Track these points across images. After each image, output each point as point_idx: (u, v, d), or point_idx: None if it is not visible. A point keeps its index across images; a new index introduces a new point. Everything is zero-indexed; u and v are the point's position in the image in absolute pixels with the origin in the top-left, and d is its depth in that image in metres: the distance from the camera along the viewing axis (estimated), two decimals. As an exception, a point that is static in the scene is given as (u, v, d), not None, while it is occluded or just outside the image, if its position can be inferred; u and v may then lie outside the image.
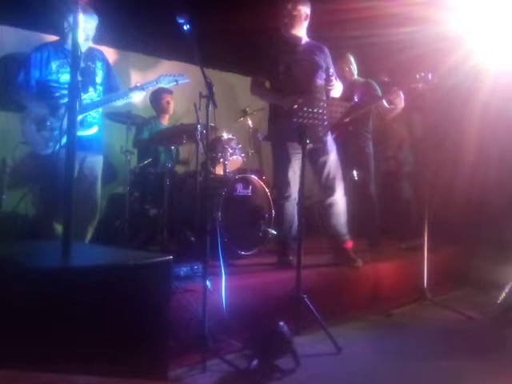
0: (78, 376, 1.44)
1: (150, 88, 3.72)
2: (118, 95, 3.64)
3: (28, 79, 3.54)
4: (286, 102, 3.90)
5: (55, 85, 3.53)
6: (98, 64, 3.74)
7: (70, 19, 2.28)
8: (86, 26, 3.54)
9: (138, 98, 3.66)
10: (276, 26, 4.15)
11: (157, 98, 5.43)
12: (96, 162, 3.71)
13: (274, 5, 4.23)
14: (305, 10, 4.09)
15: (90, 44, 3.68)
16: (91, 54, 3.73)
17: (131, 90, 3.62)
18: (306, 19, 4.12)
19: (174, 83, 3.66)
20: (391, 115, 5.12)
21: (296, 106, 3.77)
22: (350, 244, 4.26)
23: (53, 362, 1.71)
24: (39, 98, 3.51)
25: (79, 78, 3.52)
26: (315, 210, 4.89)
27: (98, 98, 3.67)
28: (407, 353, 3.20)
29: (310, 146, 3.95)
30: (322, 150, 4.14)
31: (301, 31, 4.14)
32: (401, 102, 4.92)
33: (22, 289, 1.89)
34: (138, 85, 3.63)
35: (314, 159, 4.12)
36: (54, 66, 3.54)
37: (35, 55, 3.55)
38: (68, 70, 3.30)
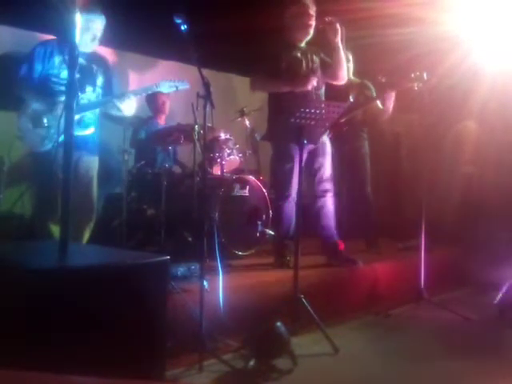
0: (74, 376, 1.44)
1: (149, 92, 3.74)
2: (108, 100, 3.65)
3: (31, 72, 3.53)
4: (301, 81, 3.92)
5: (55, 79, 3.52)
6: (102, 70, 3.75)
7: (68, 19, 2.28)
8: (92, 26, 3.54)
9: (128, 108, 3.65)
10: (289, 27, 4.17)
11: (152, 99, 5.42)
12: (91, 163, 3.70)
13: (273, 4, 4.25)
14: None
15: (96, 45, 3.67)
16: (96, 59, 3.74)
17: (123, 95, 3.61)
18: None
19: (174, 89, 3.66)
20: (383, 117, 5.11)
21: (315, 85, 3.87)
22: (342, 245, 4.27)
23: (50, 362, 1.70)
24: (39, 92, 3.50)
25: (77, 76, 3.53)
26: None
27: (96, 100, 3.67)
28: (404, 353, 3.20)
29: (309, 147, 3.98)
30: (319, 152, 4.16)
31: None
32: (391, 104, 4.93)
33: (19, 289, 1.88)
34: (131, 92, 3.64)
35: (311, 160, 4.13)
36: (57, 60, 3.53)
37: (39, 49, 3.55)
38: None
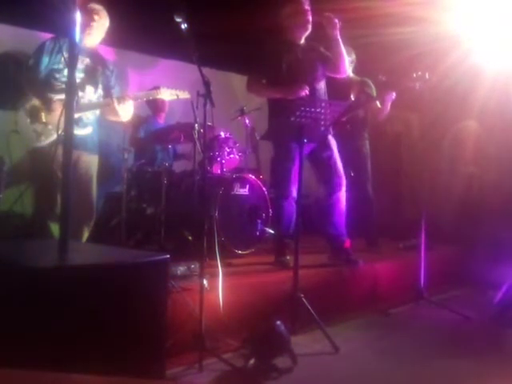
0: (74, 374, 1.44)
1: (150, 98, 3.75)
2: (108, 102, 3.63)
3: (37, 64, 3.53)
4: (293, 90, 3.93)
5: (58, 76, 3.52)
6: (107, 72, 3.74)
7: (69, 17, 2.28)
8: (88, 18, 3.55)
9: (125, 112, 3.64)
10: (284, 25, 4.17)
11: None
12: (91, 162, 3.70)
13: (273, 3, 4.24)
14: None
15: (92, 36, 3.67)
16: (102, 61, 3.74)
17: (123, 98, 3.60)
18: None
19: (175, 97, 3.66)
20: (381, 117, 5.11)
21: (307, 93, 3.88)
22: (348, 243, 4.26)
23: (50, 361, 1.70)
24: (41, 87, 3.50)
25: (81, 75, 3.54)
26: (313, 209, 4.89)
27: (97, 101, 3.67)
28: (404, 352, 3.20)
29: (311, 145, 3.98)
30: (324, 146, 4.14)
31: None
32: (389, 103, 4.93)
33: (18, 287, 1.88)
34: (131, 95, 3.64)
35: (317, 156, 4.12)
36: (63, 57, 3.53)
37: (49, 43, 3.56)
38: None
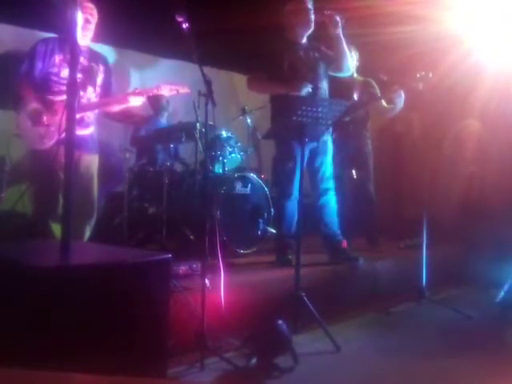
0: (76, 374, 1.44)
1: (150, 95, 3.73)
2: (117, 99, 3.63)
3: (31, 70, 3.51)
4: (296, 85, 3.92)
5: (55, 78, 3.50)
6: (101, 68, 3.74)
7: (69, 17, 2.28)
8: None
9: (137, 102, 3.63)
10: (286, 24, 4.18)
11: (155, 97, 5.41)
12: (92, 161, 3.69)
13: (273, 3, 4.25)
14: None
15: (89, 39, 3.67)
16: (96, 57, 3.73)
17: (129, 94, 3.60)
18: None
19: (175, 92, 3.65)
20: (389, 115, 5.11)
21: (310, 91, 3.88)
22: (345, 243, 4.27)
23: (51, 361, 1.70)
24: (39, 91, 3.49)
25: (79, 75, 3.53)
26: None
27: (96, 100, 3.67)
28: (405, 351, 3.20)
29: (311, 146, 3.99)
30: (320, 151, 4.15)
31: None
32: (401, 101, 4.91)
33: (20, 288, 1.88)
34: (137, 91, 3.62)
35: (312, 159, 4.13)
36: (57, 59, 3.51)
37: (40, 46, 3.53)
38: None
